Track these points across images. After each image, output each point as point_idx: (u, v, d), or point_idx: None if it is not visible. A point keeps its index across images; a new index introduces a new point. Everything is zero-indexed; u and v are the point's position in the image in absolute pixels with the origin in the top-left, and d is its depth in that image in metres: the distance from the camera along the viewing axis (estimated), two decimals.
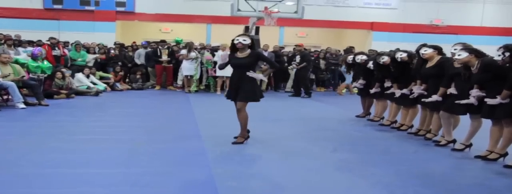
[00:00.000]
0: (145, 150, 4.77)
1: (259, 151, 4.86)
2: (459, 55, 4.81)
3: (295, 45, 12.17)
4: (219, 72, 10.79)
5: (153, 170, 3.97)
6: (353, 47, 13.50)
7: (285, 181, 3.79)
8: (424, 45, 5.68)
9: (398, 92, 6.26)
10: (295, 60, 11.31)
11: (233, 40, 5.05)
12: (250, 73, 4.97)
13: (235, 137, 5.21)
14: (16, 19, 15.20)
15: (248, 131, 5.31)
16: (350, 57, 7.70)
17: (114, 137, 5.38)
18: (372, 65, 6.91)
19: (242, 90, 4.99)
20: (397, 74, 6.31)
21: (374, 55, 7.15)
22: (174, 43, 12.63)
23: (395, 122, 6.75)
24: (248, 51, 5.04)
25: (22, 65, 8.64)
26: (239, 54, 5.05)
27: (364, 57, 7.27)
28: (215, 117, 7.11)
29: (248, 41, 4.99)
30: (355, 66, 7.61)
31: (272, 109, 8.30)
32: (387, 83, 6.64)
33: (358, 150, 5.16)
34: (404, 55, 6.08)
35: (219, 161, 4.40)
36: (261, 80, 12.09)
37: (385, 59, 6.38)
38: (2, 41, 10.96)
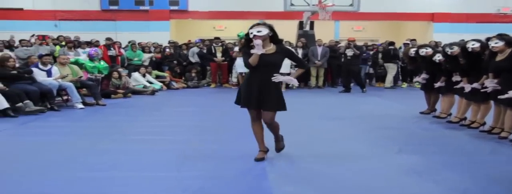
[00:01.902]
0: (199, 151, 4.60)
1: (318, 152, 4.55)
2: None
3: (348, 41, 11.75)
4: None
5: (206, 174, 3.79)
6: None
7: (345, 186, 3.48)
8: (499, 35, 5.18)
9: (468, 87, 5.75)
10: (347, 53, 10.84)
11: (247, 33, 3.97)
12: (276, 78, 3.96)
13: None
14: (76, 21, 15.71)
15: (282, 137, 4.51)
16: (412, 50, 7.23)
17: (168, 137, 5.28)
18: (438, 59, 6.44)
19: (269, 97, 3.99)
20: (467, 66, 5.81)
21: (441, 46, 6.67)
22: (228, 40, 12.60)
23: (465, 119, 6.24)
24: (272, 46, 4.00)
25: (81, 65, 8.84)
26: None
27: (429, 50, 6.78)
28: None
29: (264, 32, 3.86)
30: (418, 60, 7.12)
31: (331, 106, 7.99)
32: (456, 78, 6.14)
33: (426, 150, 4.70)
34: (477, 45, 5.55)
35: (275, 164, 4.14)
36: (317, 77, 11.82)
37: (455, 49, 5.91)
38: (63, 44, 11.33)
